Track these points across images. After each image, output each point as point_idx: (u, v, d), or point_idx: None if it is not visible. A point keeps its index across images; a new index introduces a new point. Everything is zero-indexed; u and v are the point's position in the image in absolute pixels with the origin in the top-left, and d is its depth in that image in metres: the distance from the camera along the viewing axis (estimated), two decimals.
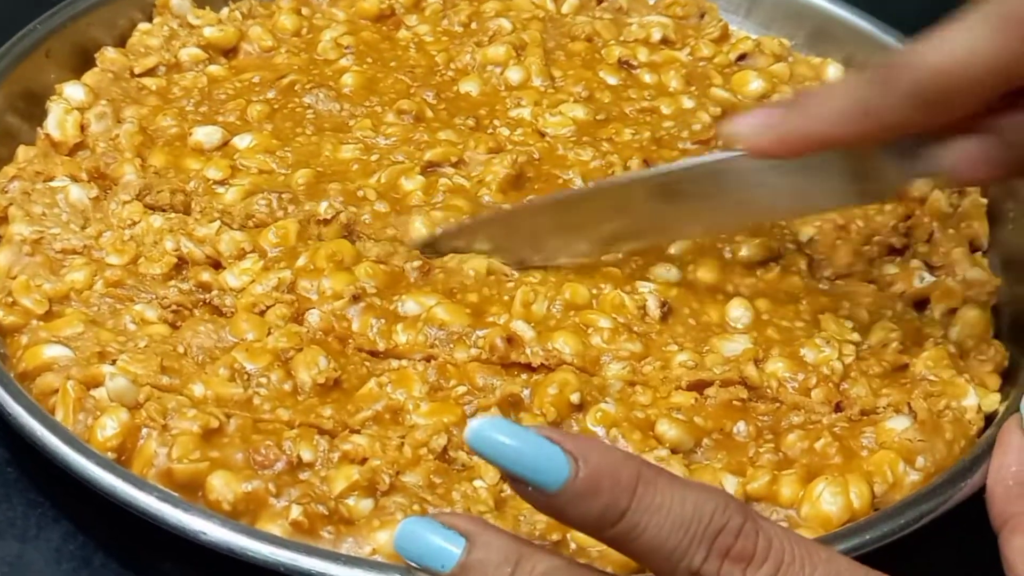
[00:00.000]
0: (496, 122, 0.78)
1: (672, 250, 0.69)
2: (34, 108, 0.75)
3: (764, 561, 0.42)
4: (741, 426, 0.61)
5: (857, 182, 0.61)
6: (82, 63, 0.79)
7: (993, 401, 0.63)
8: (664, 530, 0.41)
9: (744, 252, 0.70)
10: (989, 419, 0.63)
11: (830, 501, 0.57)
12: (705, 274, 0.69)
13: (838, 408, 0.63)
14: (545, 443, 0.41)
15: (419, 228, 0.68)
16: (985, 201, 0.75)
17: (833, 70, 0.86)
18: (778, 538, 0.42)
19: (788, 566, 0.42)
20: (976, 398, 0.62)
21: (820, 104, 0.57)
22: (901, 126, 0.56)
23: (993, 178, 0.62)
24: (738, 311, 0.67)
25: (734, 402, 0.62)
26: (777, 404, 0.62)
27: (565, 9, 0.90)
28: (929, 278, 0.70)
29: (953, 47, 0.53)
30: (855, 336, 0.66)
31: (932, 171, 0.59)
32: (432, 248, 0.68)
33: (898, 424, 0.61)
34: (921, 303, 0.70)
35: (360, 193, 0.70)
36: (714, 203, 0.65)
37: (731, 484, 0.58)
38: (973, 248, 0.73)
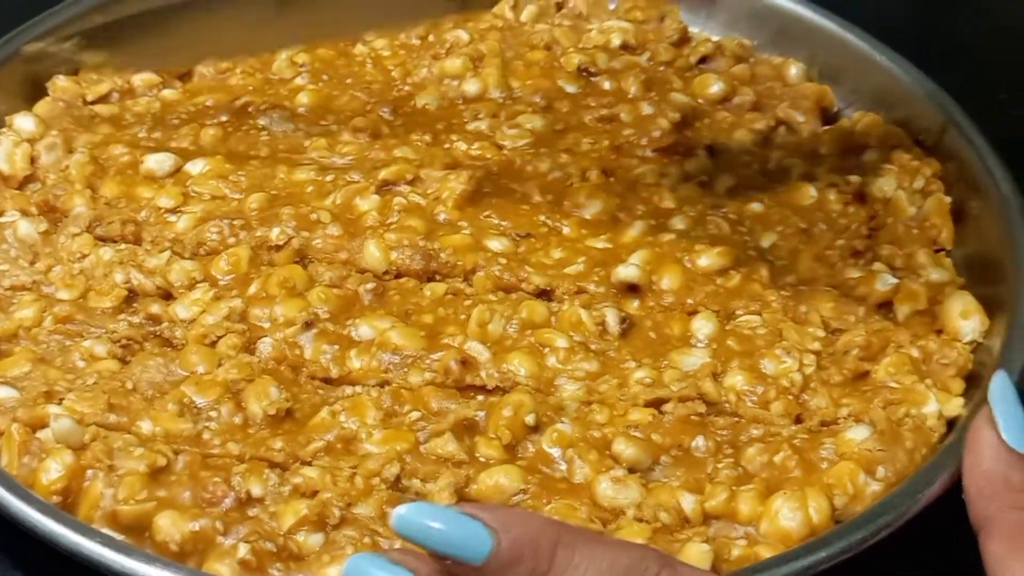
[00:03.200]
0: (454, 136, 0.77)
1: (633, 259, 0.68)
2: None
3: None
4: (700, 441, 0.60)
5: None
6: (33, 92, 0.78)
7: (956, 406, 0.62)
8: None
9: (704, 261, 0.69)
10: (953, 424, 0.62)
11: (789, 516, 0.56)
12: (669, 283, 0.68)
13: (798, 420, 0.62)
14: (467, 520, 0.42)
15: (373, 252, 0.67)
16: (949, 200, 0.74)
17: (795, 69, 0.85)
18: None
19: None
20: (937, 404, 0.61)
21: None
22: None
23: None
24: (701, 323, 0.66)
25: (692, 417, 0.61)
26: (736, 418, 0.62)
27: (524, 17, 0.89)
28: (892, 280, 0.69)
29: None
30: (816, 345, 0.65)
31: None
32: None
33: (858, 434, 0.60)
34: (886, 306, 0.69)
35: (313, 216, 0.69)
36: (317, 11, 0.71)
37: (689, 502, 0.57)
38: (937, 248, 0.72)
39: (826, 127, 0.81)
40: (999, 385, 0.55)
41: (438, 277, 0.68)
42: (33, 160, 0.73)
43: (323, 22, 0.69)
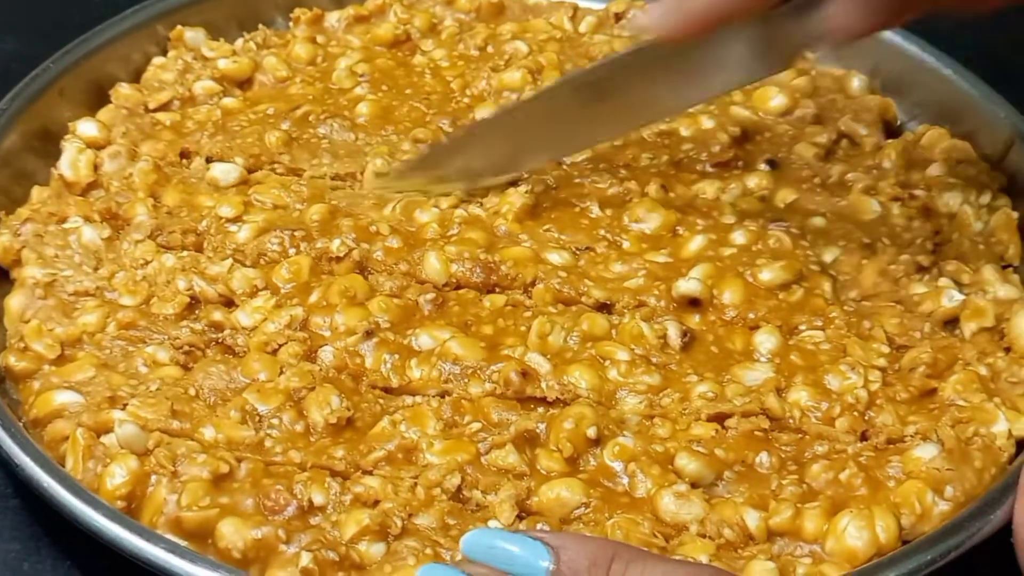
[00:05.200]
0: None
1: (694, 273, 0.68)
2: (50, 147, 0.75)
3: None
4: (764, 457, 0.59)
5: (759, 53, 0.66)
6: (97, 100, 0.79)
7: None
8: None
9: (766, 275, 0.68)
10: (1023, 444, 0.61)
11: (855, 535, 0.55)
12: (731, 297, 0.67)
13: (863, 437, 0.61)
14: (528, 539, 0.45)
15: (434, 263, 0.67)
16: (1016, 215, 0.73)
17: (857, 81, 0.84)
18: None
19: None
20: (1006, 424, 0.60)
21: None
22: None
23: (872, 29, 0.63)
24: (763, 337, 0.65)
25: (756, 433, 0.60)
26: (800, 434, 0.61)
27: (583, 28, 0.89)
28: (958, 297, 0.68)
29: None
30: (881, 361, 0.64)
31: (820, 30, 0.63)
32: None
33: (925, 452, 0.59)
34: (951, 322, 0.68)
35: (373, 228, 0.69)
36: (638, 94, 0.69)
37: (753, 519, 0.56)
38: (1004, 264, 0.71)
39: (889, 140, 0.80)
40: None
41: (498, 290, 0.68)
42: (96, 167, 0.73)
43: (635, 108, 0.71)
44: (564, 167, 0.75)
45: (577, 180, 0.74)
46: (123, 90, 0.79)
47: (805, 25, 0.64)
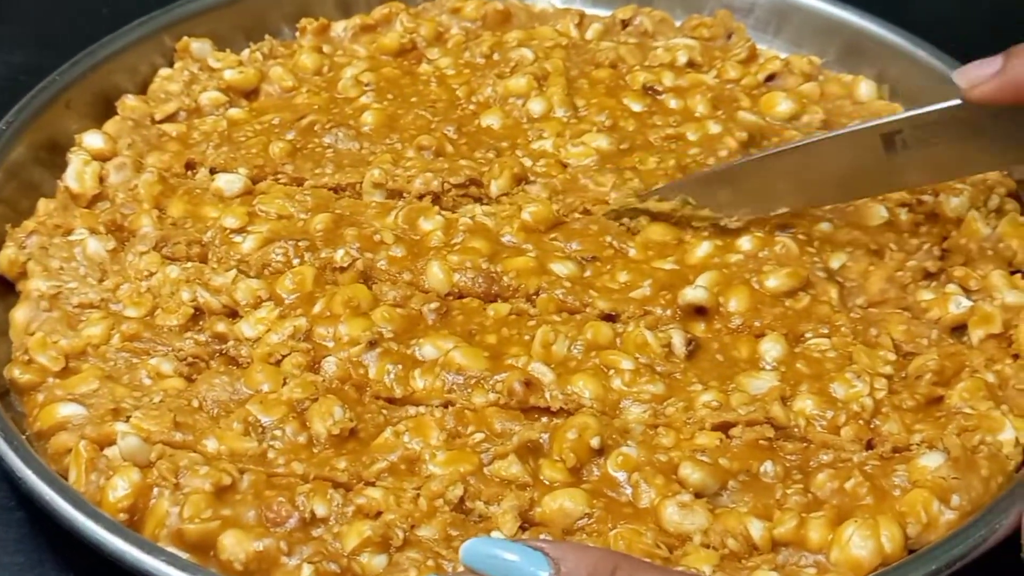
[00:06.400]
0: (519, 154, 0.77)
1: (700, 281, 0.68)
2: (57, 159, 0.75)
3: None
4: (768, 466, 0.59)
5: None
6: (103, 111, 0.79)
7: None
8: None
9: (772, 283, 0.68)
10: None
11: (860, 544, 0.55)
12: (736, 304, 0.67)
13: (869, 445, 0.61)
14: (528, 549, 0.45)
15: (436, 273, 0.67)
16: None
17: (865, 87, 0.84)
18: None
19: None
20: (1013, 432, 0.60)
21: None
22: None
23: None
24: (768, 345, 0.65)
25: (760, 442, 0.60)
26: (805, 443, 0.60)
27: (589, 35, 0.89)
28: (966, 303, 0.68)
29: None
30: (888, 369, 0.64)
31: None
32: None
33: (931, 461, 0.58)
34: (959, 329, 0.68)
35: (377, 237, 0.69)
36: (935, 152, 0.67)
37: (757, 528, 0.56)
38: (1012, 270, 0.70)
39: None
40: None
41: (500, 300, 0.67)
42: (102, 179, 0.73)
43: (938, 163, 0.67)
44: (569, 170, 0.75)
45: (582, 182, 0.74)
46: (129, 101, 0.80)
47: None
